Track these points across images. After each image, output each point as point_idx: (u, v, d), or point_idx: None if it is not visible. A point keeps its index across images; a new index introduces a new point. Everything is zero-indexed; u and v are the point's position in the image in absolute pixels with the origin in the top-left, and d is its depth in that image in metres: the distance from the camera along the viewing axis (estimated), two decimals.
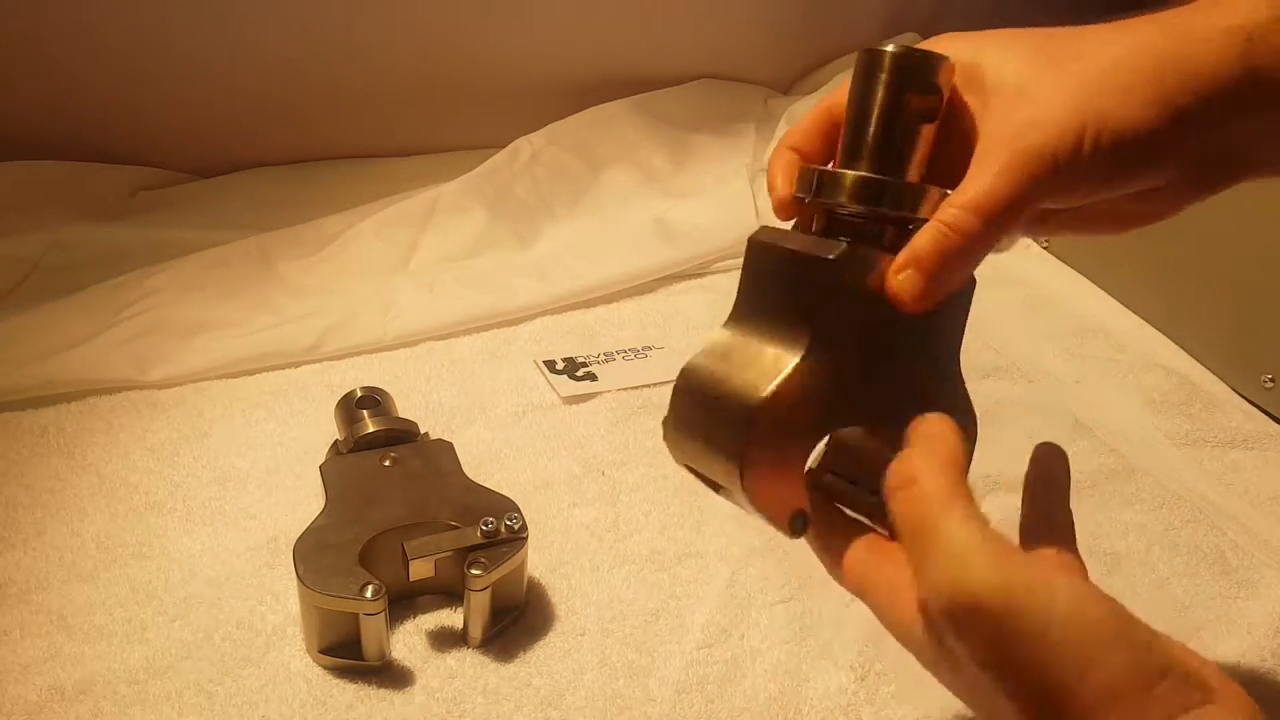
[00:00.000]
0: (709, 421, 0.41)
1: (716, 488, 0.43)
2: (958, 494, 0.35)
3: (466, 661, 0.59)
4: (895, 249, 0.40)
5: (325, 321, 0.84)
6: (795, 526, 0.41)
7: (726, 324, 0.44)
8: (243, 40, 1.00)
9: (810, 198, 0.42)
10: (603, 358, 0.84)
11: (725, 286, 0.96)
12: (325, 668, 0.58)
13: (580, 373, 0.82)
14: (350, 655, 0.57)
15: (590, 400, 0.80)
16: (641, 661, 0.60)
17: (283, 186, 1.05)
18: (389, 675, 0.58)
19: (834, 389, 0.40)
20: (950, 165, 0.41)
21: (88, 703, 0.55)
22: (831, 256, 0.39)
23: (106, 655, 0.58)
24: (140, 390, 0.77)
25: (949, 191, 0.39)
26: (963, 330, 0.43)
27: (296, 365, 0.81)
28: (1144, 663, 0.31)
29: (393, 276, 0.92)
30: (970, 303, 0.43)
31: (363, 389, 0.70)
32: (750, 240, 0.43)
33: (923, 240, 0.39)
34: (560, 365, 0.83)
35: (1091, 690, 0.31)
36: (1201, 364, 0.89)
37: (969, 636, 0.32)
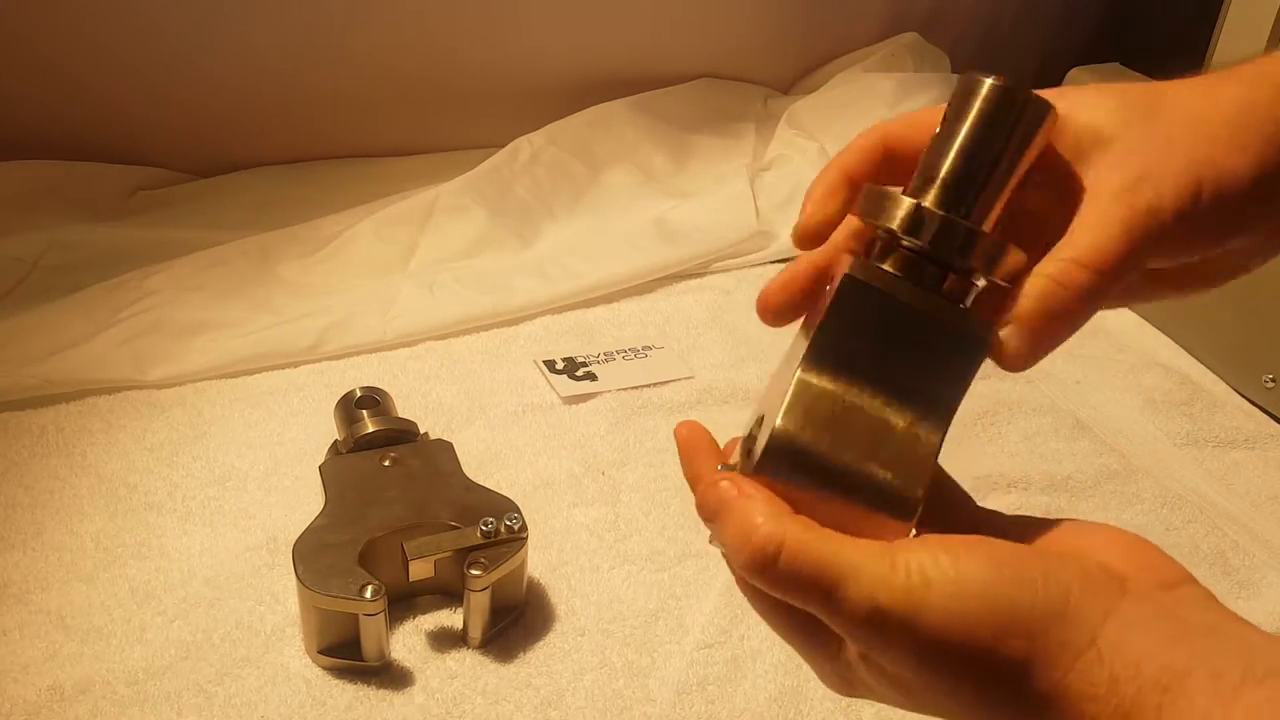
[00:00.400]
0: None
1: None
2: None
3: (466, 662, 0.59)
4: (952, 297, 0.36)
5: (325, 321, 0.84)
6: None
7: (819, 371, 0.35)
8: (243, 40, 0.99)
9: (890, 229, 0.36)
10: (603, 358, 0.84)
11: (725, 286, 0.96)
12: (324, 668, 0.58)
13: (580, 373, 0.82)
14: (349, 656, 0.57)
15: (590, 400, 0.80)
16: (641, 662, 0.60)
17: (282, 186, 1.04)
18: (388, 676, 0.58)
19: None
20: (1036, 222, 0.38)
21: (87, 703, 0.55)
22: (984, 336, 0.35)
23: (105, 655, 0.58)
24: (139, 390, 0.77)
25: (1019, 252, 0.36)
26: (961, 393, 0.36)
27: (296, 365, 0.81)
28: (1042, 598, 0.30)
29: (392, 276, 0.92)
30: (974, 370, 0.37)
31: (362, 389, 0.70)
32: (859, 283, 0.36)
33: (1028, 296, 0.36)
34: (560, 365, 0.83)
35: (1017, 646, 0.30)
36: (1202, 364, 0.88)
37: (885, 650, 0.31)
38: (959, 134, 0.36)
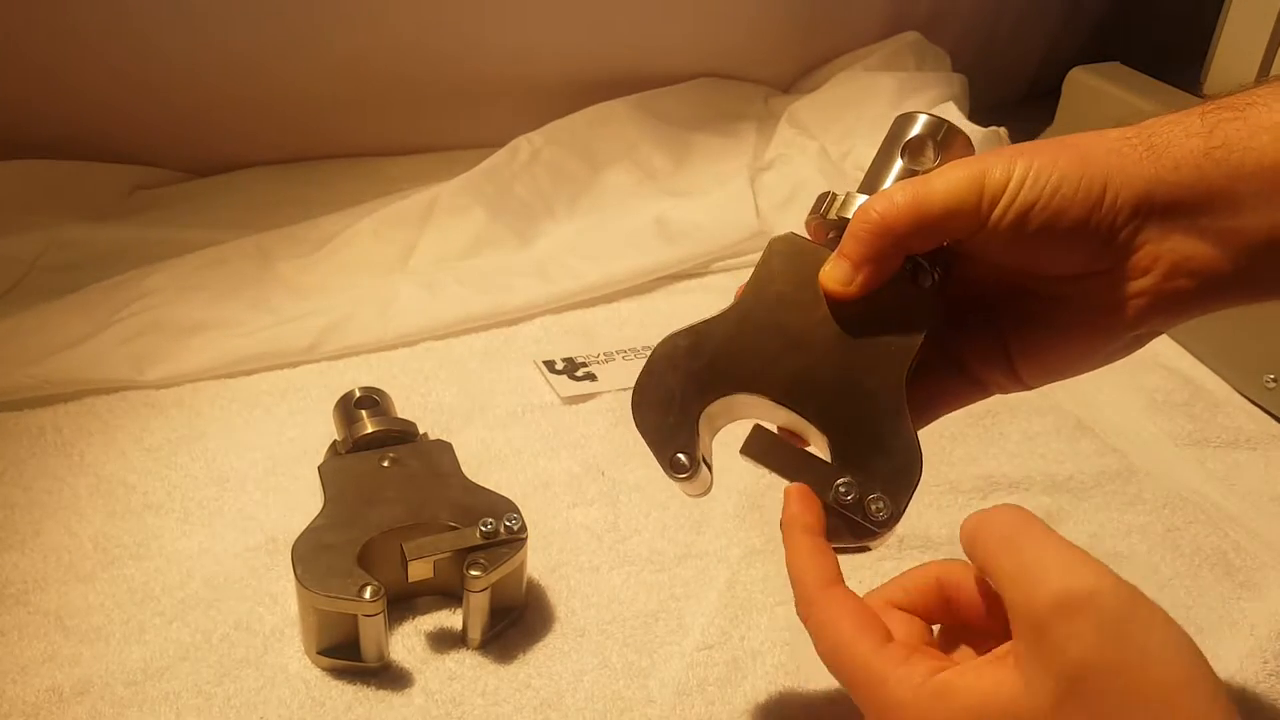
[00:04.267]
0: None
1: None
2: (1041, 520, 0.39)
3: (466, 663, 0.59)
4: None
5: (324, 321, 0.83)
6: (676, 465, 0.45)
7: None
8: (242, 39, 0.99)
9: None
10: (602, 358, 0.84)
11: (725, 286, 0.95)
12: (324, 669, 0.58)
13: (580, 373, 0.82)
14: (349, 656, 0.57)
15: (590, 400, 0.79)
16: (641, 663, 0.59)
17: (281, 186, 1.04)
18: (388, 676, 0.58)
19: (739, 349, 0.46)
20: None
21: (85, 704, 0.55)
22: (776, 234, 0.47)
23: (104, 656, 0.57)
24: (138, 390, 0.77)
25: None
26: (904, 371, 0.45)
27: (295, 365, 0.81)
28: None
29: (391, 276, 0.92)
30: (914, 349, 0.45)
31: (361, 389, 0.70)
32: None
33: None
34: (560, 365, 0.83)
35: None
36: (1204, 364, 0.88)
37: (1083, 630, 0.34)
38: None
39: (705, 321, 0.47)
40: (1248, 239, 0.41)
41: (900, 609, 0.43)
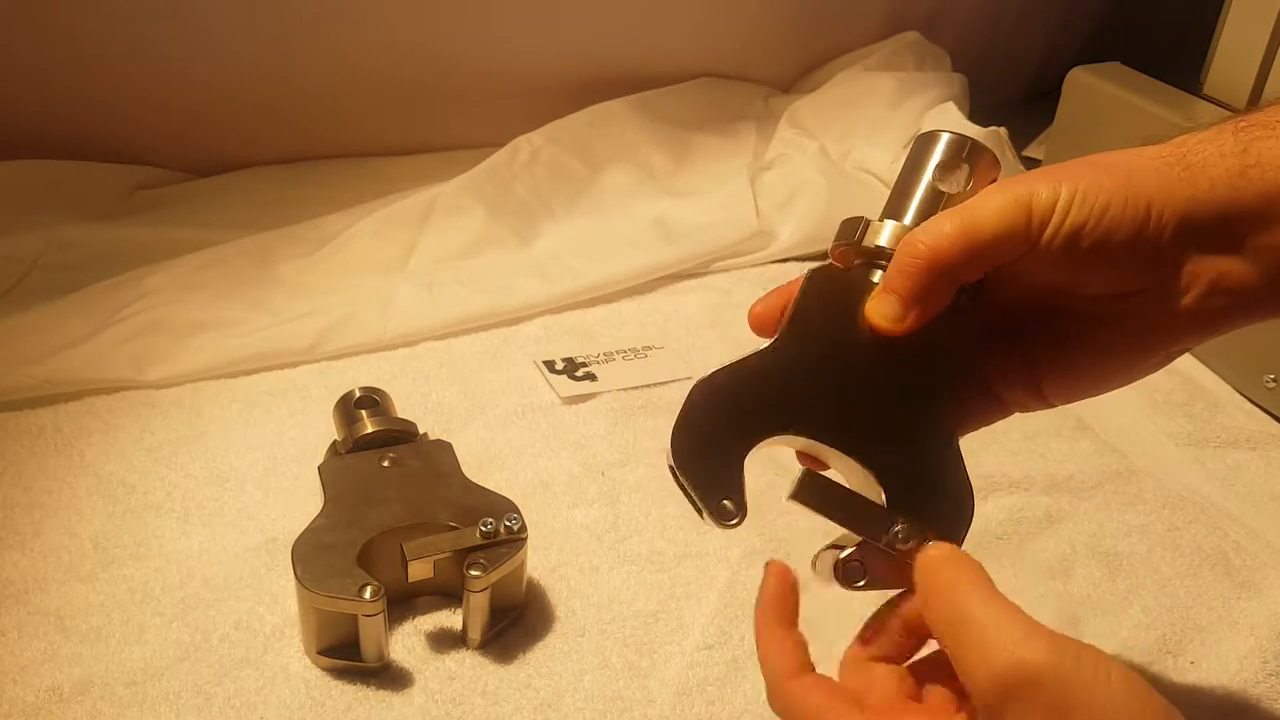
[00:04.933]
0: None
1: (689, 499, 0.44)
2: (985, 579, 0.39)
3: (466, 663, 0.59)
4: None
5: (324, 321, 0.83)
6: (723, 514, 0.42)
7: None
8: (242, 40, 0.99)
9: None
10: (602, 358, 0.84)
11: (725, 286, 0.96)
12: (324, 669, 0.58)
13: (580, 373, 0.82)
14: (349, 656, 0.57)
15: (590, 400, 0.79)
16: (642, 663, 0.59)
17: (281, 186, 1.04)
18: (388, 677, 0.58)
19: (783, 388, 0.43)
20: None
21: (85, 704, 0.55)
22: (814, 265, 0.44)
23: (104, 656, 0.57)
24: (138, 390, 0.77)
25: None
26: (950, 403, 0.45)
27: (295, 365, 0.81)
28: None
29: (391, 276, 0.92)
30: (960, 380, 0.45)
31: (361, 389, 0.70)
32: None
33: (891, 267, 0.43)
34: (560, 365, 0.83)
35: None
36: (1204, 364, 0.88)
37: (1030, 711, 0.34)
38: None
39: (745, 359, 0.44)
40: None
41: (875, 659, 0.43)
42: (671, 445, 0.42)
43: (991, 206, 0.41)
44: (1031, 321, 0.47)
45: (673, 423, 0.42)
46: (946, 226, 0.41)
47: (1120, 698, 0.34)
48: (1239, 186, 0.41)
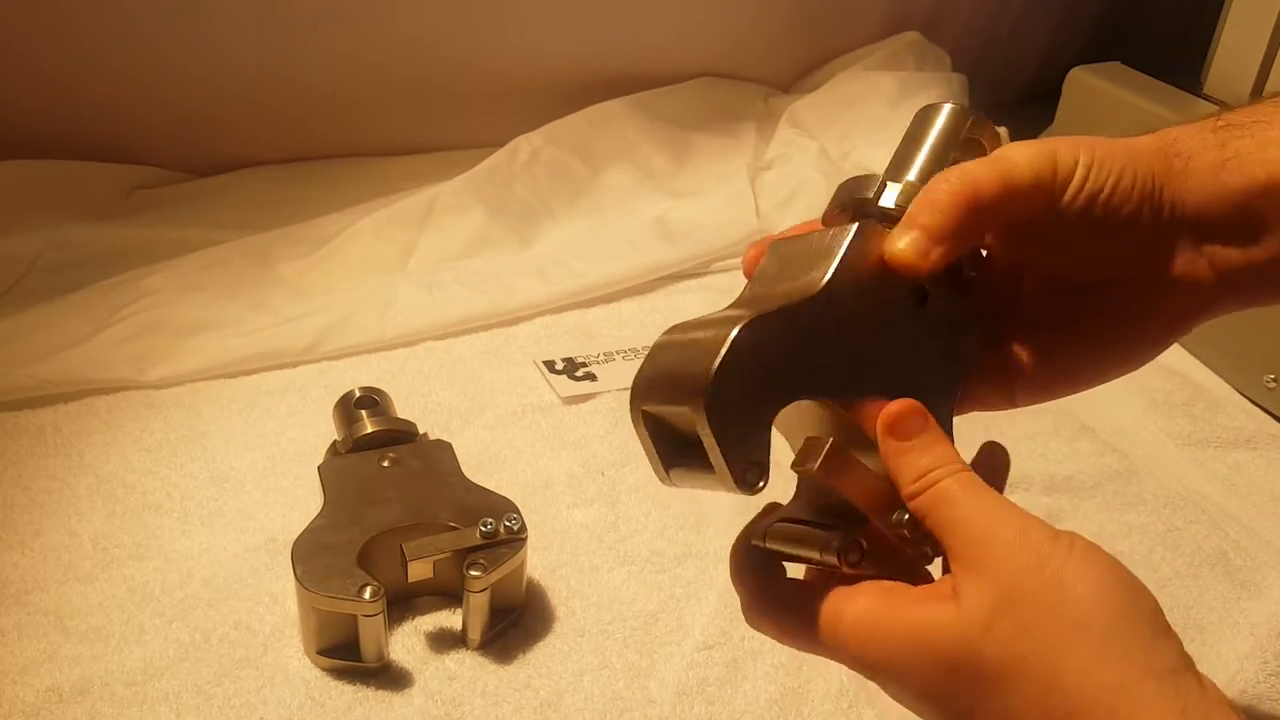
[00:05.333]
0: (684, 352, 0.39)
1: (669, 454, 0.41)
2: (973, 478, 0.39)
3: (465, 663, 0.59)
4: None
5: (323, 321, 0.83)
6: (747, 480, 0.39)
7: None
8: (242, 39, 0.99)
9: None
10: (602, 358, 0.84)
11: (725, 286, 0.96)
12: (323, 669, 0.58)
13: (580, 373, 0.82)
14: (349, 656, 0.57)
15: (590, 400, 0.79)
16: (641, 663, 0.59)
17: (281, 186, 1.04)
18: (387, 677, 0.58)
19: (833, 346, 0.40)
20: None
21: (85, 704, 0.55)
22: (855, 225, 0.41)
23: (104, 656, 0.57)
24: (138, 390, 0.77)
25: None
26: (957, 392, 0.44)
27: (295, 365, 0.81)
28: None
29: (391, 276, 0.92)
30: (969, 363, 0.44)
31: (361, 389, 0.70)
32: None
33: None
34: (560, 365, 0.83)
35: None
36: (1204, 364, 0.88)
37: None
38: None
39: (792, 307, 0.39)
40: (1269, 248, 0.43)
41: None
42: (706, 403, 0.37)
43: (1023, 154, 0.41)
44: (1028, 308, 0.47)
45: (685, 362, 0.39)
46: (981, 169, 0.40)
47: (1090, 566, 0.38)
48: (1221, 178, 0.42)
